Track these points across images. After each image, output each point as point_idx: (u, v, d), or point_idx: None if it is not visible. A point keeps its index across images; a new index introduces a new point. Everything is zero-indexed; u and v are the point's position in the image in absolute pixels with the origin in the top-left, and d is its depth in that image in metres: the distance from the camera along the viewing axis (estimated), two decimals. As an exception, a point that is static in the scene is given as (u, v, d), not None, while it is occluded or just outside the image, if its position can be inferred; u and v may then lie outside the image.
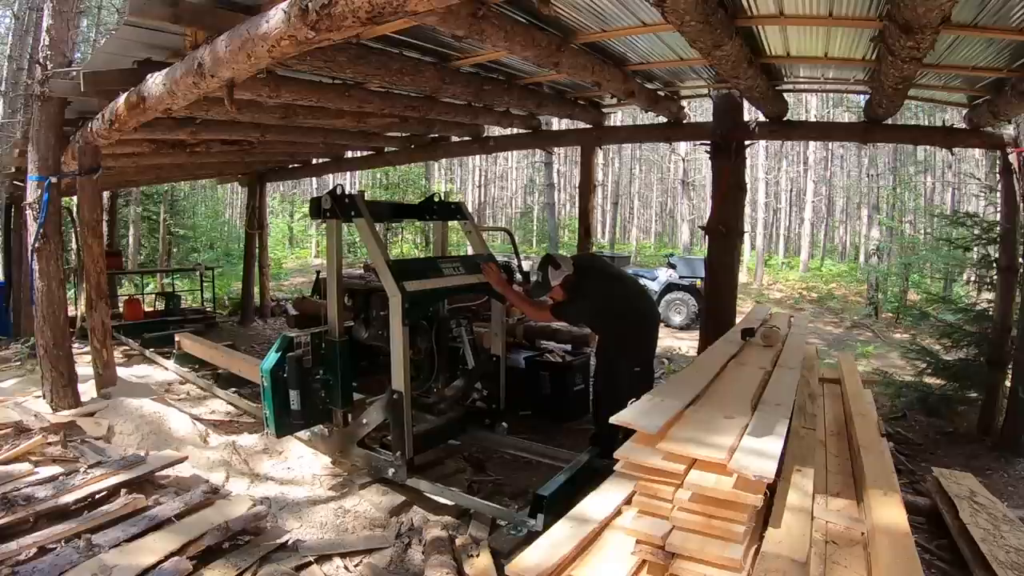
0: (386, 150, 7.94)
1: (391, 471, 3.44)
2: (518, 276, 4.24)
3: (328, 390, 3.66)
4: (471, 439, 4.14)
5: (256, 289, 10.06)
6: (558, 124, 15.50)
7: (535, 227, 29.64)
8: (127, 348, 6.87)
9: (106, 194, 9.32)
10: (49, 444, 3.64)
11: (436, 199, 4.19)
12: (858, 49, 3.65)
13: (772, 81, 4.43)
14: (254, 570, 2.64)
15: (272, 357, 3.51)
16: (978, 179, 11.86)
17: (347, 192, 3.49)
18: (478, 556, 2.81)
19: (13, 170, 6.48)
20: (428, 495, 3.41)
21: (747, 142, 5.03)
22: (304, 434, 3.99)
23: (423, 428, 3.85)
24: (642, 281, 12.01)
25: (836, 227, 29.07)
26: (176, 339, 6.19)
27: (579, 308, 3.80)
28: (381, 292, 3.45)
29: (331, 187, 3.53)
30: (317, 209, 3.49)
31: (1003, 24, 2.92)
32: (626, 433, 2.09)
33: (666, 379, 6.38)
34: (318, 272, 4.93)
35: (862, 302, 14.78)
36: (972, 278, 6.97)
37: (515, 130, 6.41)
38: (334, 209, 3.41)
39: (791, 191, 27.31)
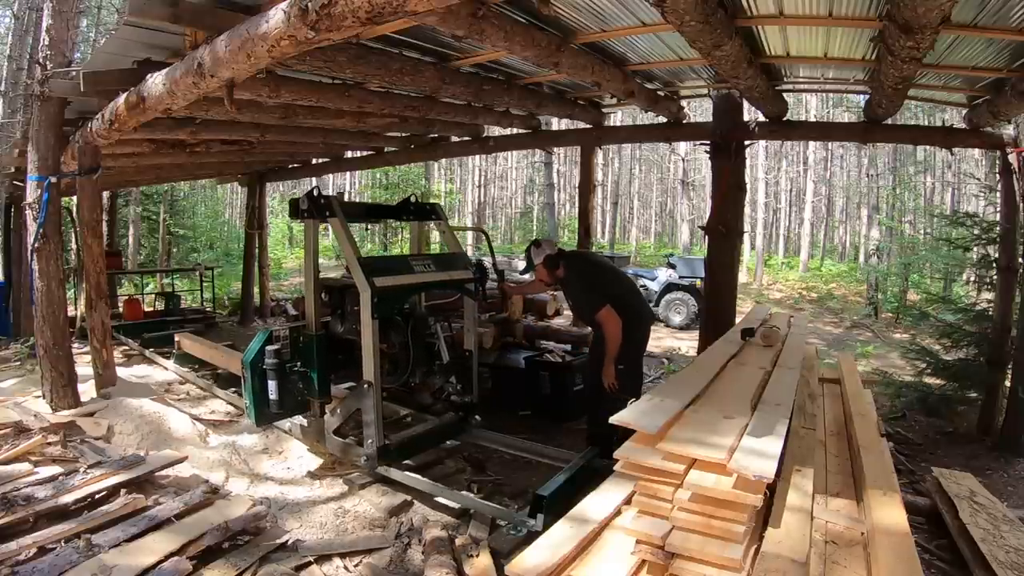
0: (386, 150, 7.94)
1: (363, 459, 3.56)
2: (492, 274, 4.41)
3: (306, 382, 3.79)
4: (471, 438, 4.15)
5: (256, 289, 10.06)
6: (558, 124, 15.50)
7: (535, 227, 29.65)
8: (127, 348, 6.87)
9: (106, 194, 9.31)
10: (49, 444, 3.64)
11: (413, 200, 4.33)
12: (858, 49, 3.65)
13: (772, 81, 4.43)
14: (254, 570, 2.64)
15: (252, 349, 3.68)
16: (978, 179, 11.86)
17: (323, 193, 3.63)
18: (478, 556, 2.81)
19: (13, 170, 6.47)
20: (428, 495, 3.41)
21: (747, 142, 5.03)
22: (285, 424, 4.13)
23: (423, 429, 3.88)
24: (642, 281, 12.03)
25: (836, 227, 29.07)
26: (176, 339, 6.18)
27: (571, 286, 3.96)
28: (355, 288, 3.54)
29: (313, 188, 3.66)
30: (295, 209, 3.65)
31: (1003, 24, 2.93)
32: (624, 432, 2.09)
33: (666, 379, 6.39)
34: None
35: (862, 302, 14.77)
36: (972, 278, 6.97)
37: (515, 130, 6.41)
38: (311, 209, 3.56)
39: (791, 191, 27.31)
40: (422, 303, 4.41)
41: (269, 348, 3.65)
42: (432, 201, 4.50)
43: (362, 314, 3.42)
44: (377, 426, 3.49)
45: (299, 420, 4.03)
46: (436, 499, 3.39)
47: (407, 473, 3.46)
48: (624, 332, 3.71)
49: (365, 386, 3.49)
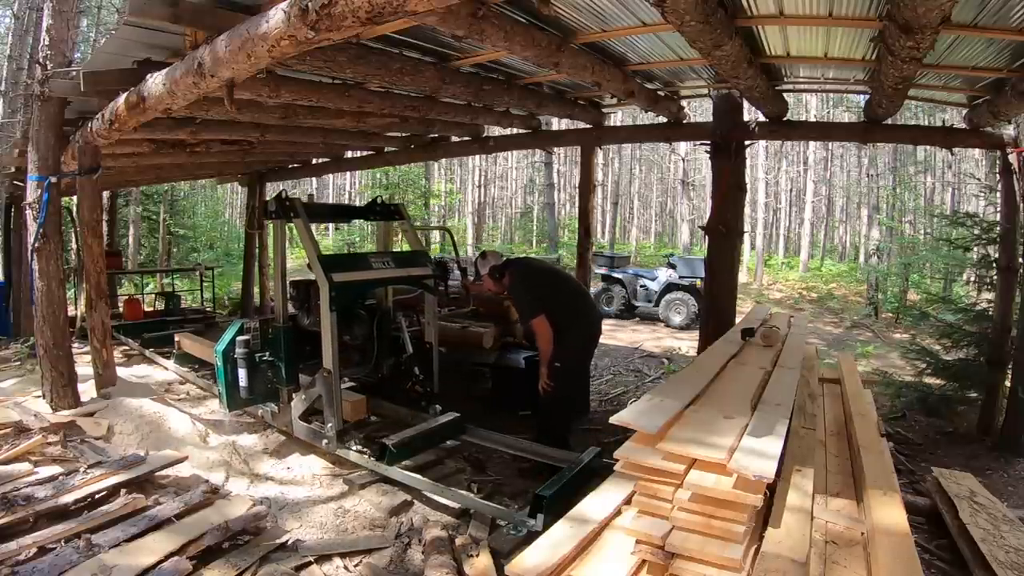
0: (386, 150, 7.93)
1: (324, 441, 3.80)
2: (456, 270, 4.79)
3: (275, 371, 4.04)
4: (471, 438, 4.15)
5: (256, 289, 10.06)
6: (558, 124, 15.49)
7: (535, 227, 29.64)
8: (127, 348, 6.86)
9: (106, 194, 9.31)
10: (49, 444, 3.64)
11: (379, 202, 4.64)
12: (858, 49, 3.65)
13: (772, 81, 4.43)
14: (254, 570, 2.64)
15: (225, 340, 3.97)
16: (978, 179, 11.84)
17: (288, 196, 3.91)
18: (478, 556, 2.81)
19: (13, 170, 6.46)
20: (428, 495, 3.41)
21: (747, 142, 5.03)
22: (257, 410, 4.37)
23: (421, 430, 3.89)
24: (642, 281, 12.03)
25: (836, 227, 29.05)
26: (176, 339, 6.18)
27: (515, 292, 4.19)
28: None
29: (281, 191, 3.92)
30: (265, 211, 3.97)
31: (1003, 24, 2.93)
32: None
33: (666, 379, 6.39)
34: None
35: (862, 302, 14.76)
36: (972, 278, 6.97)
37: (515, 130, 6.40)
38: (278, 211, 3.85)
39: (791, 191, 27.29)
40: (389, 299, 4.64)
41: (240, 339, 3.91)
42: (396, 202, 4.86)
43: (321, 306, 3.67)
44: (336, 410, 3.73)
45: (270, 406, 4.26)
46: (436, 499, 3.39)
47: (407, 473, 3.47)
48: (563, 333, 3.95)
49: (324, 374, 3.72)
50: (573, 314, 4.06)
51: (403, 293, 5.03)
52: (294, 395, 4.07)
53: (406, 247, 5.06)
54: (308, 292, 4.32)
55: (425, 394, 4.32)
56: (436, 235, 20.48)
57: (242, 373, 3.94)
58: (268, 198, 3.93)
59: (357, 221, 8.43)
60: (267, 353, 4.01)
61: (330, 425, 3.75)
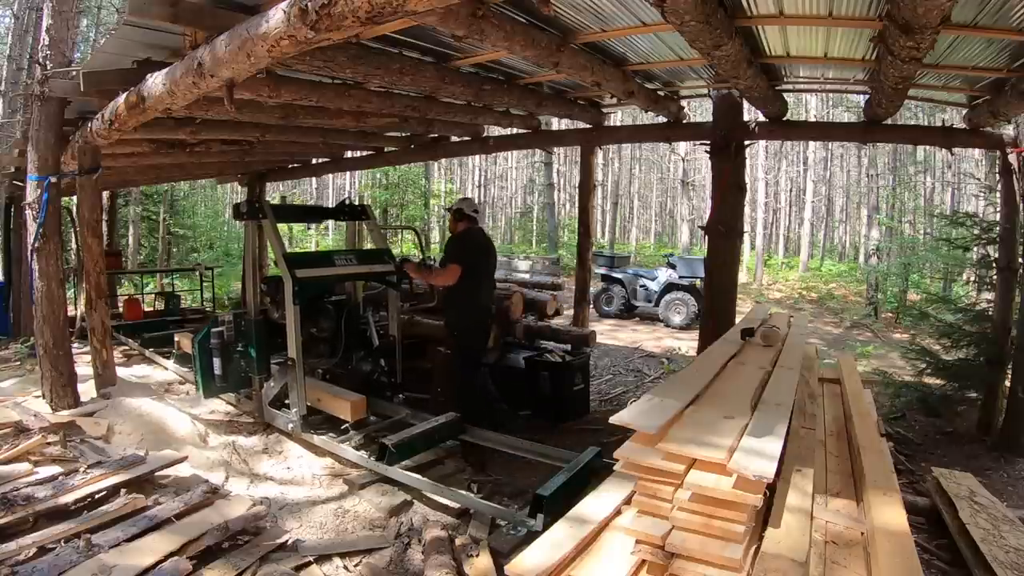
0: (386, 150, 7.93)
1: (290, 426, 4.08)
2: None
3: (247, 360, 4.33)
4: (471, 438, 4.14)
5: (256, 289, 10.05)
6: (558, 124, 15.49)
7: (535, 227, 29.63)
8: (127, 348, 6.86)
9: (106, 194, 9.29)
10: (49, 444, 3.63)
11: (347, 203, 4.95)
12: (858, 49, 3.65)
13: (772, 81, 4.43)
14: (254, 570, 2.64)
15: (202, 331, 4.32)
16: (978, 179, 11.85)
17: (257, 199, 4.22)
18: (478, 556, 2.81)
19: (13, 170, 6.46)
20: (428, 495, 3.41)
21: (747, 142, 5.03)
22: (232, 397, 4.69)
23: (421, 430, 3.89)
24: (642, 281, 12.05)
25: (836, 227, 29.04)
26: (176, 339, 6.18)
27: (452, 242, 4.41)
28: None
29: (254, 194, 4.08)
30: (237, 212, 4.26)
31: (1003, 24, 2.93)
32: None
33: (666, 379, 6.38)
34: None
35: (862, 302, 14.76)
36: (972, 278, 6.96)
37: (515, 130, 6.41)
38: (250, 212, 4.15)
39: (791, 191, 27.29)
40: (359, 294, 4.91)
41: (214, 330, 4.24)
42: (363, 203, 5.19)
43: (285, 300, 3.94)
44: (300, 396, 3.99)
45: (244, 392, 4.55)
46: (436, 499, 3.39)
47: (407, 473, 3.47)
48: (466, 304, 4.28)
49: (289, 363, 3.99)
50: (477, 293, 4.35)
51: (372, 289, 5.28)
52: (265, 383, 4.35)
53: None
54: (278, 287, 4.50)
55: (389, 384, 4.55)
56: (436, 236, 20.47)
57: (216, 362, 4.25)
58: (236, 201, 4.18)
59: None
60: (240, 344, 4.29)
61: (295, 410, 4.01)
